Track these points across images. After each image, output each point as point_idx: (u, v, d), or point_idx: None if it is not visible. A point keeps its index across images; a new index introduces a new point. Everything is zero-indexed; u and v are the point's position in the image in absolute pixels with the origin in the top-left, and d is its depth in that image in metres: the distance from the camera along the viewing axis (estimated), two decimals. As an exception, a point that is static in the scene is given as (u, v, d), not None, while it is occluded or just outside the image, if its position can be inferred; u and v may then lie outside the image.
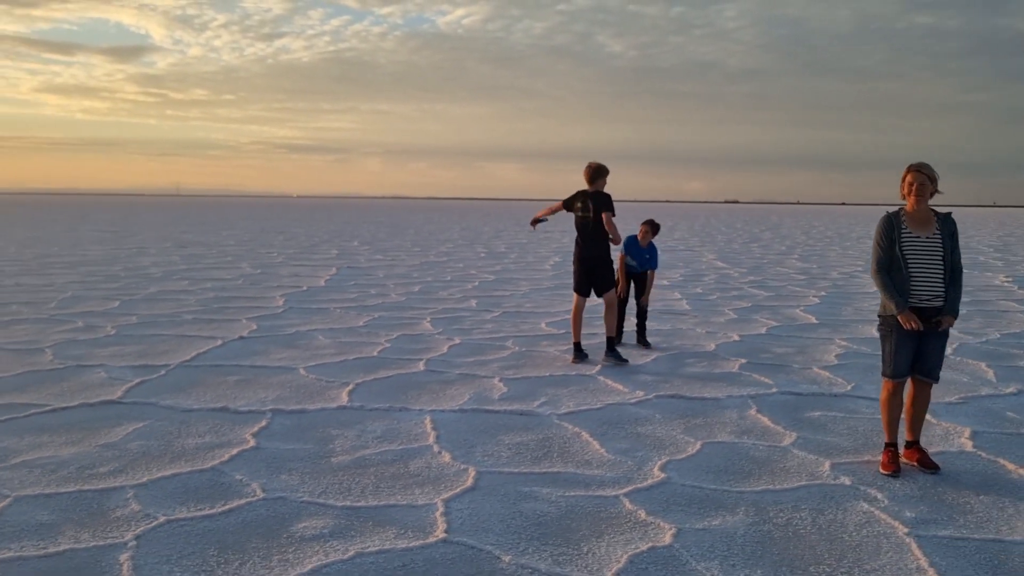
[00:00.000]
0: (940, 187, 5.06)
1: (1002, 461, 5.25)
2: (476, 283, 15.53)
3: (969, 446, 5.58)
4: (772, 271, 19.01)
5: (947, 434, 5.87)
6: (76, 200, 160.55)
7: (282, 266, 18.76)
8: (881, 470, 5.05)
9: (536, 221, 8.62)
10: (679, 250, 26.38)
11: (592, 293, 8.19)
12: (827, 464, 5.18)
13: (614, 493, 4.64)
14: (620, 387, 7.15)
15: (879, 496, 4.64)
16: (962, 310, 10.52)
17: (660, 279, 16.19)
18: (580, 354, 8.19)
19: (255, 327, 10.12)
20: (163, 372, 7.54)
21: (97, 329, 9.82)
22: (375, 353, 8.54)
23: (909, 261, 4.97)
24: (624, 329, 9.16)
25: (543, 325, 10.44)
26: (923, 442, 5.38)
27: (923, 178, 4.96)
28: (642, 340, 9.08)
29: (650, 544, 3.96)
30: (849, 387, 7.20)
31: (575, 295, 8.24)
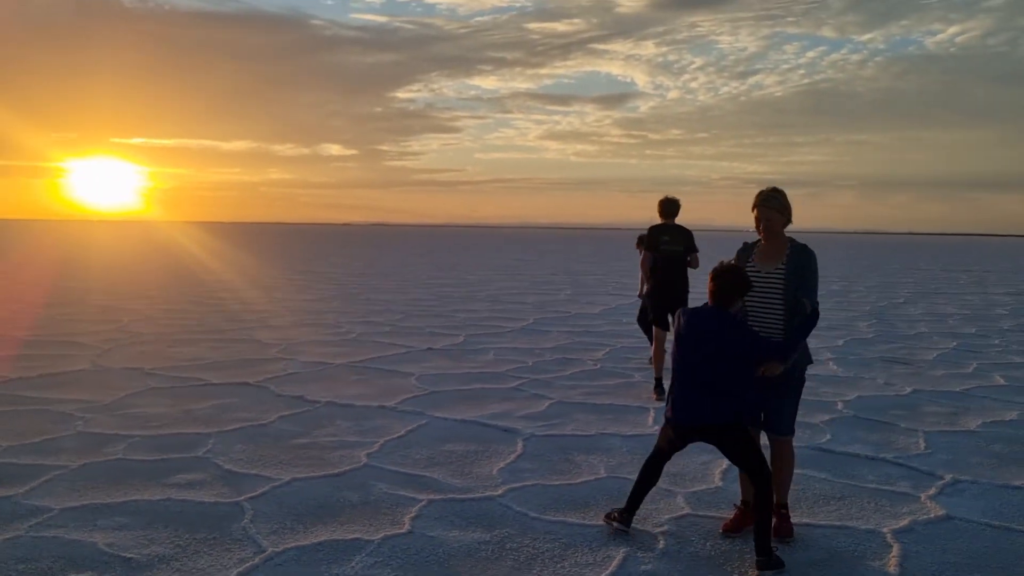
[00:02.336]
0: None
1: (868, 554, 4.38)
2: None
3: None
4: None
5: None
6: (561, 234, 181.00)
7: (603, 295, 19.99)
8: (721, 529, 4.62)
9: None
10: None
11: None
12: (682, 513, 4.86)
13: (426, 498, 5.06)
14: (648, 422, 7.07)
15: (660, 548, 4.36)
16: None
17: (912, 329, 13.98)
18: (663, 390, 8.08)
19: (460, 340, 11.59)
20: (321, 368, 9.36)
21: (349, 334, 12.16)
22: (503, 370, 9.39)
23: (746, 297, 4.53)
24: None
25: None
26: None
27: (769, 212, 4.51)
28: None
29: (356, 537, 4.44)
30: (891, 454, 6.14)
31: (656, 330, 8.19)
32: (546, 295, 19.55)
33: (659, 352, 8.17)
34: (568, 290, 21.21)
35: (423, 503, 4.96)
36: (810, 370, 9.10)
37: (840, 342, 12.06)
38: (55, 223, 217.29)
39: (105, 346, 10.59)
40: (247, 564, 4.05)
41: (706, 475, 5.57)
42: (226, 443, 6.19)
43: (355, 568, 4.04)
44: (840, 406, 7.73)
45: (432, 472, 5.57)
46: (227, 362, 9.59)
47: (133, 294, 17.82)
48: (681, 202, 8.13)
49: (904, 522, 4.75)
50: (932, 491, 5.30)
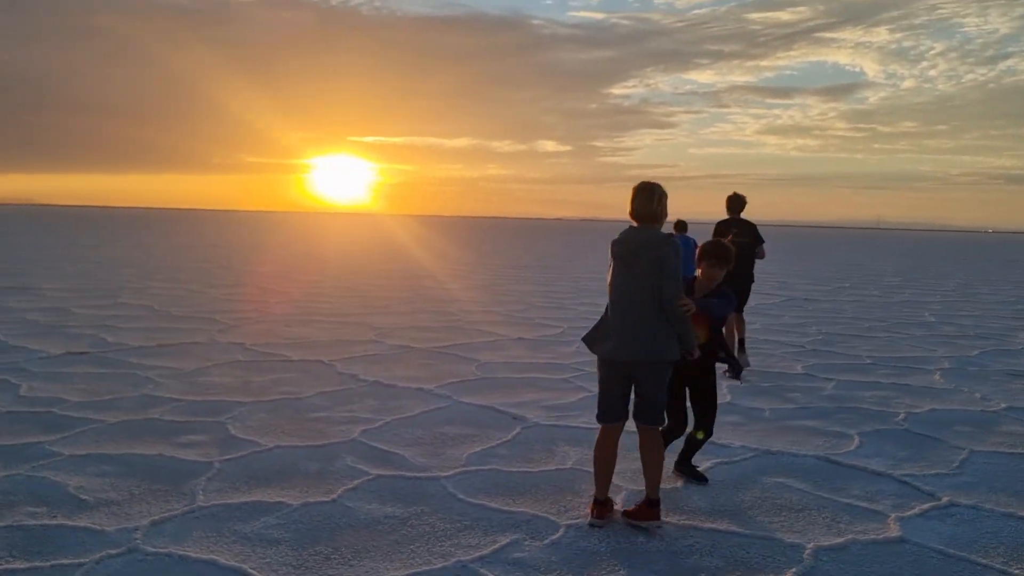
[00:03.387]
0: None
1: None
2: (875, 325, 13.92)
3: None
4: None
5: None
6: (776, 231, 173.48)
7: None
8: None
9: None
10: None
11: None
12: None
13: (377, 473, 5.30)
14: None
15: (552, 539, 4.34)
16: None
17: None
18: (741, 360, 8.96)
19: (558, 332, 11.71)
20: (402, 351, 9.85)
21: (458, 321, 12.64)
22: (569, 362, 9.43)
23: None
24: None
25: (799, 369, 9.61)
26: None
27: None
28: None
29: (281, 500, 4.78)
30: (906, 471, 5.59)
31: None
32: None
33: (729, 328, 8.92)
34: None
35: (370, 478, 5.21)
36: (908, 379, 8.37)
37: (975, 352, 10.89)
38: (298, 215, 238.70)
39: (232, 323, 11.74)
40: (169, 513, 4.51)
41: (667, 475, 5.38)
42: (252, 412, 6.76)
43: (255, 527, 4.37)
44: (901, 417, 7.09)
45: (407, 451, 5.80)
46: (322, 342, 10.32)
47: (303, 279, 19.43)
48: (747, 199, 8.95)
49: (842, 539, 4.37)
50: (911, 512, 4.81)
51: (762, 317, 14.26)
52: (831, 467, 5.67)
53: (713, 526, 4.54)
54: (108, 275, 19.22)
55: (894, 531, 4.50)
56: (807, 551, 4.21)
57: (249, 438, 6.01)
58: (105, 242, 36.51)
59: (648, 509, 4.47)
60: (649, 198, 4.36)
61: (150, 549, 4.06)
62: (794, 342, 11.35)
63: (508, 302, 15.69)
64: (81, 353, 9.17)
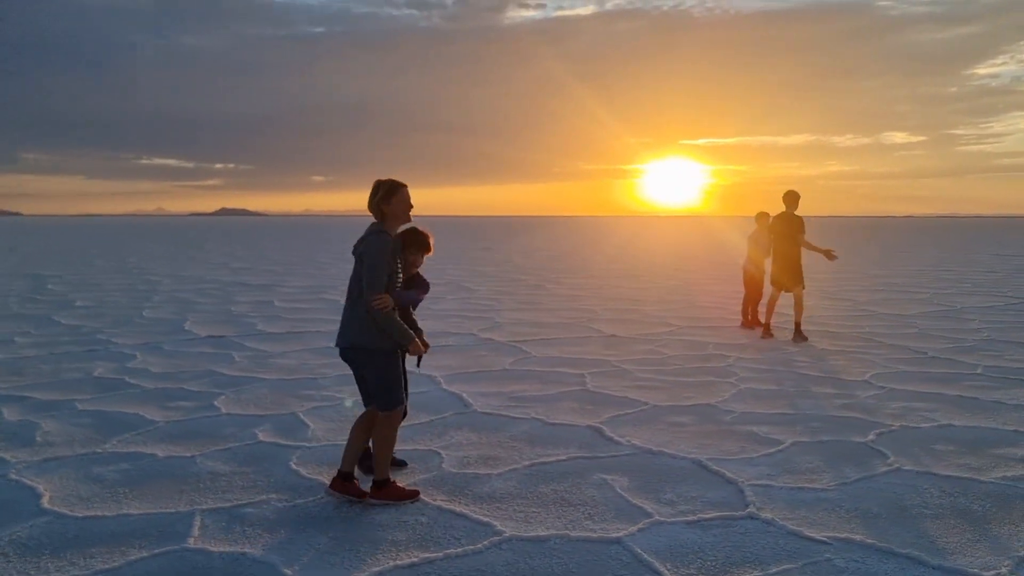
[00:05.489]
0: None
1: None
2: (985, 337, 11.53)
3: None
4: None
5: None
6: None
7: (957, 295, 16.72)
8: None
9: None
10: None
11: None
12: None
13: (266, 439, 6.09)
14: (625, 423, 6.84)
15: (266, 499, 4.84)
16: None
17: None
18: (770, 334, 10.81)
19: (667, 329, 11.52)
20: (495, 343, 10.49)
21: (591, 326, 12.93)
22: (616, 359, 9.39)
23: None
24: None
25: (866, 376, 8.62)
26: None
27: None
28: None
29: (207, 452, 5.78)
30: (775, 482, 5.09)
31: (773, 290, 10.80)
32: (909, 292, 17.00)
33: (772, 304, 10.85)
34: (945, 287, 17.96)
35: (251, 443, 6.01)
36: (993, 393, 7.60)
37: None
38: (626, 220, 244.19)
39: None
40: (69, 454, 5.69)
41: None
42: (256, 388, 7.83)
43: (104, 470, 5.36)
44: (883, 431, 6.29)
45: (320, 426, 6.49)
46: (439, 332, 11.24)
47: (526, 280, 20.60)
48: (800, 194, 10.65)
49: (547, 533, 4.30)
50: (681, 519, 4.50)
51: (951, 321, 12.61)
52: (693, 470, 5.34)
53: (452, 508, 4.66)
54: (341, 276, 21.97)
55: (621, 532, 4.29)
56: (500, 538, 4.22)
57: (217, 406, 7.10)
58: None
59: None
60: (373, 194, 4.63)
61: (13, 477, 5.24)
62: (925, 348, 10.02)
63: (670, 303, 15.38)
64: (218, 336, 11.03)
